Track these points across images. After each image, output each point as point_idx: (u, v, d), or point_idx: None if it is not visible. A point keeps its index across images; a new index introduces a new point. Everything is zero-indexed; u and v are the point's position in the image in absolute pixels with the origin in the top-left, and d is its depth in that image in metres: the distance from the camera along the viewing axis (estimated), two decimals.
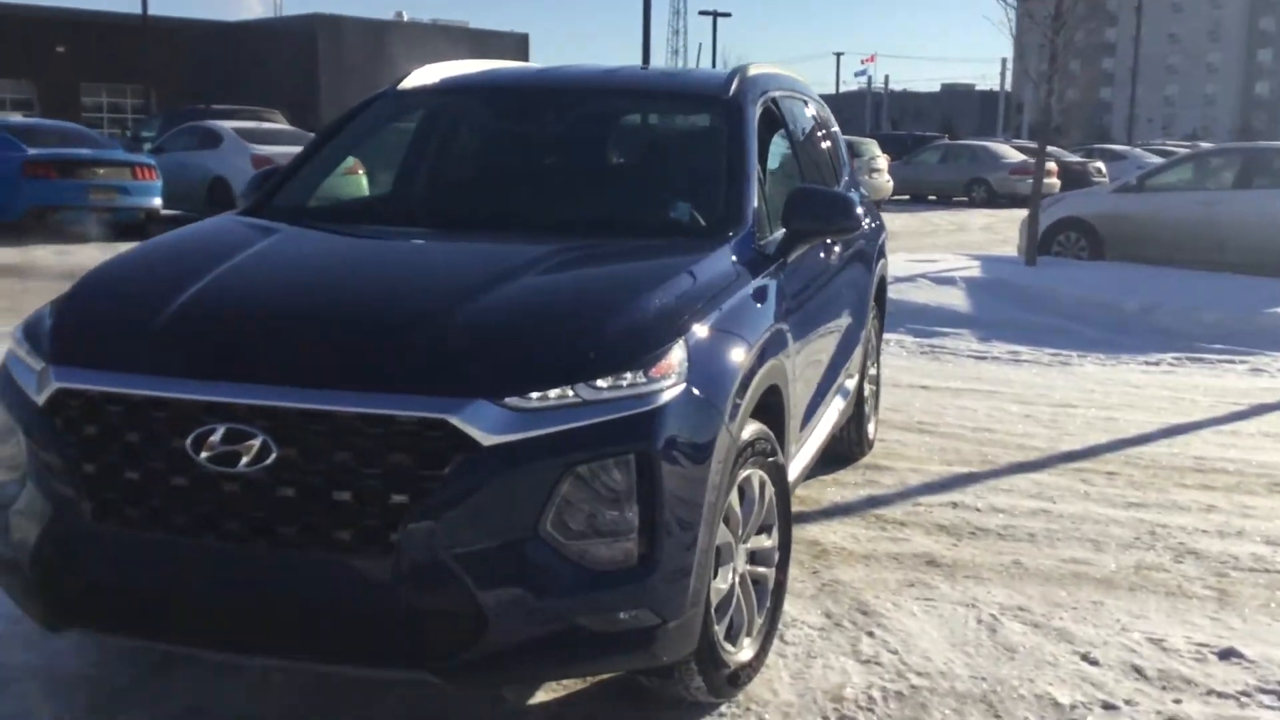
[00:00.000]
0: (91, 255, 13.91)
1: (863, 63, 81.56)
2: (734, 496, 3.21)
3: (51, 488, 2.89)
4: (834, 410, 4.94)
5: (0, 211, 15.35)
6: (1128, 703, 3.47)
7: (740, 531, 3.31)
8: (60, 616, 2.94)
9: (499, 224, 3.97)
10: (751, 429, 3.27)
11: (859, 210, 4.11)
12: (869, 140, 28.54)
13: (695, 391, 2.95)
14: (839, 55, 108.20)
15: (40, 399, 2.92)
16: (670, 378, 2.90)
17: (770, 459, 3.41)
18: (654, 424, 2.82)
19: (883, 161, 27.54)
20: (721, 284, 3.41)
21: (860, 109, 75.57)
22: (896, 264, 10.44)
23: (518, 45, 53.60)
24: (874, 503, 5.27)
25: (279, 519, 2.73)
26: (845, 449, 5.71)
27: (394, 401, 2.71)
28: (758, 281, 3.64)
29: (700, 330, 3.09)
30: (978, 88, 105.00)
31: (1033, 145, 33.43)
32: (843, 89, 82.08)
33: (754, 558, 3.44)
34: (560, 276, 3.39)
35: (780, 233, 4.05)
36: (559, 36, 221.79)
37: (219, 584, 2.81)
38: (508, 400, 2.73)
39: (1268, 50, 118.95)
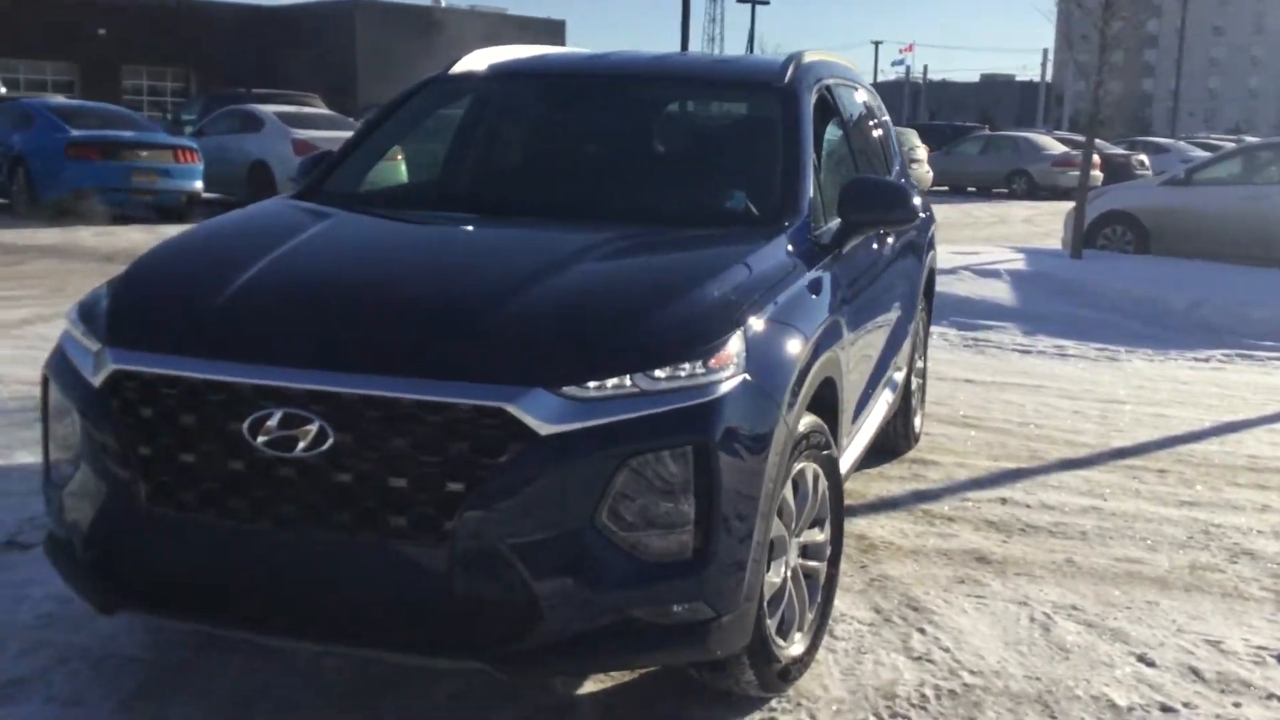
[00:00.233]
0: (132, 237, 14.03)
1: (901, 52, 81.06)
2: (788, 489, 3.17)
3: (106, 469, 2.89)
4: (883, 403, 4.89)
5: (43, 193, 15.46)
6: (1186, 705, 3.40)
7: (793, 525, 3.27)
8: (112, 598, 2.94)
9: (551, 211, 3.93)
10: (807, 421, 3.22)
11: (916, 201, 4.05)
12: (908, 130, 28.26)
13: (753, 383, 2.91)
14: (877, 44, 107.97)
15: (96, 380, 2.92)
16: (728, 369, 2.87)
17: (824, 452, 3.37)
18: (712, 415, 2.79)
19: (922, 152, 27.28)
20: (778, 275, 3.37)
21: (898, 99, 75.04)
22: (939, 256, 10.34)
23: (554, 32, 53.59)
24: (921, 497, 5.21)
25: (334, 505, 2.72)
26: (891, 443, 5.65)
27: (451, 389, 2.69)
28: (813, 272, 3.59)
29: (758, 321, 3.05)
30: (1018, 78, 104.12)
31: (1074, 137, 33.18)
32: (880, 78, 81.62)
33: (806, 551, 3.40)
34: (617, 265, 3.35)
35: (835, 223, 3.99)
36: (596, 23, 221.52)
37: (273, 569, 2.80)
38: (565, 390, 2.70)
39: None
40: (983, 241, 16.44)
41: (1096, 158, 27.31)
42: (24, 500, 4.58)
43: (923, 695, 3.40)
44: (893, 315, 4.88)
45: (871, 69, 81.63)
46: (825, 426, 3.40)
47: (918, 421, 5.98)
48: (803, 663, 3.35)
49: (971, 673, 3.55)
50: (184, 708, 3.13)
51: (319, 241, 3.50)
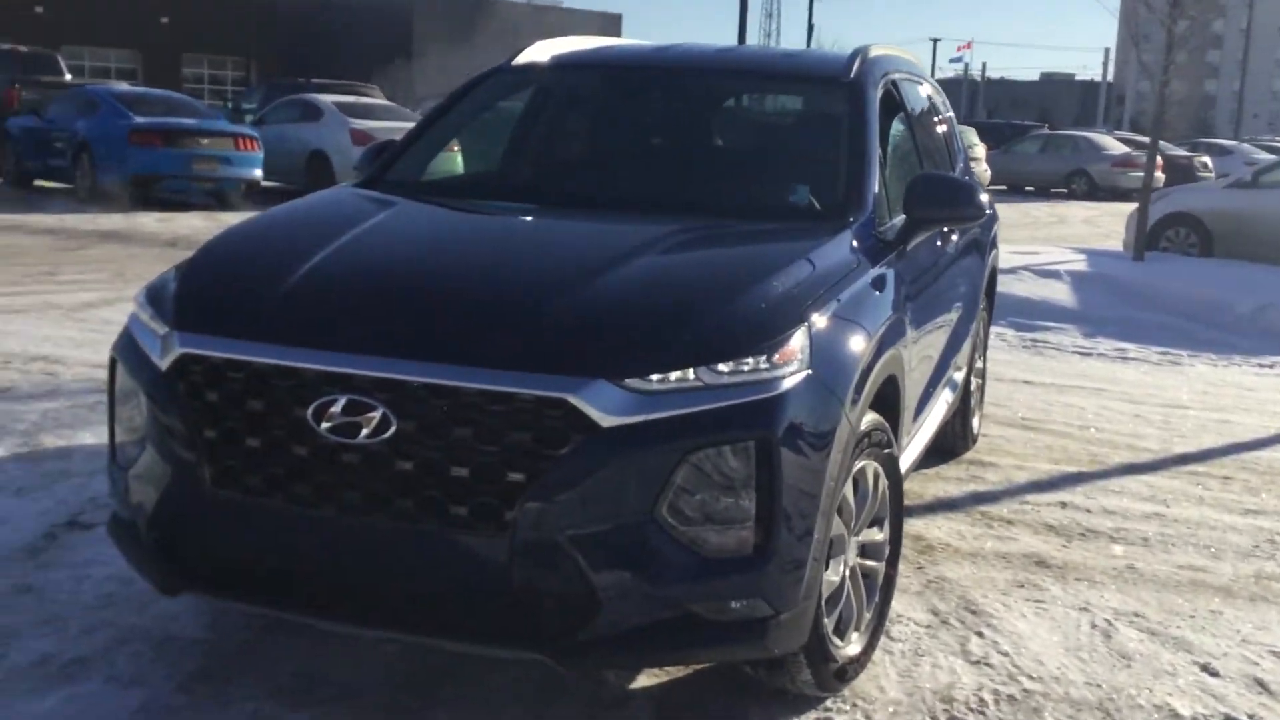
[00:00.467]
0: (193, 224, 14.22)
1: (959, 49, 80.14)
2: (848, 488, 3.14)
3: (171, 452, 2.91)
4: (943, 403, 4.83)
5: (105, 178, 15.68)
6: (1250, 717, 3.34)
7: (853, 524, 3.24)
8: (176, 580, 2.96)
9: (614, 203, 3.92)
10: (869, 419, 3.19)
11: (983, 198, 3.99)
12: (967, 128, 27.93)
13: (817, 379, 2.88)
14: (935, 41, 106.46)
15: (163, 363, 2.94)
16: (792, 364, 2.84)
17: (885, 450, 3.33)
18: (776, 410, 2.76)
19: (980, 150, 27.00)
20: (843, 270, 3.34)
21: (956, 96, 74.25)
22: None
23: (611, 25, 53.64)
24: (979, 499, 5.14)
25: (396, 492, 2.72)
26: (949, 443, 5.58)
27: (514, 379, 2.68)
28: (878, 269, 3.55)
29: (822, 317, 3.02)
30: (1077, 77, 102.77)
31: (1135, 137, 32.68)
32: (938, 75, 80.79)
33: (864, 551, 3.37)
34: (680, 258, 3.33)
35: (900, 219, 3.95)
36: (652, 17, 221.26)
37: (335, 555, 2.81)
38: (628, 382, 2.69)
39: None
40: (1042, 242, 16.24)
41: (1159, 159, 26.98)
42: (86, 481, 4.64)
43: (981, 700, 3.35)
44: (954, 314, 4.82)
45: (930, 66, 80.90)
46: (887, 425, 3.36)
47: (976, 422, 5.91)
48: (859, 663, 3.32)
49: (1031, 678, 3.50)
50: (244, 689, 3.15)
51: (384, 229, 3.51)
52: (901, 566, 3.95)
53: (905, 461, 3.96)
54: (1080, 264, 12.40)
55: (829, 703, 3.26)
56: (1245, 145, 37.50)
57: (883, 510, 3.42)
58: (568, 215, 3.87)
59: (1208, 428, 6.69)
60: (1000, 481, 5.41)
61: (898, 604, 3.86)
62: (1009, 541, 4.64)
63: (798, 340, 2.89)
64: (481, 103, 4.63)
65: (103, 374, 6.10)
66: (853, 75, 4.22)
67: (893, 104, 4.50)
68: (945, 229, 4.51)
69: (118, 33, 45.53)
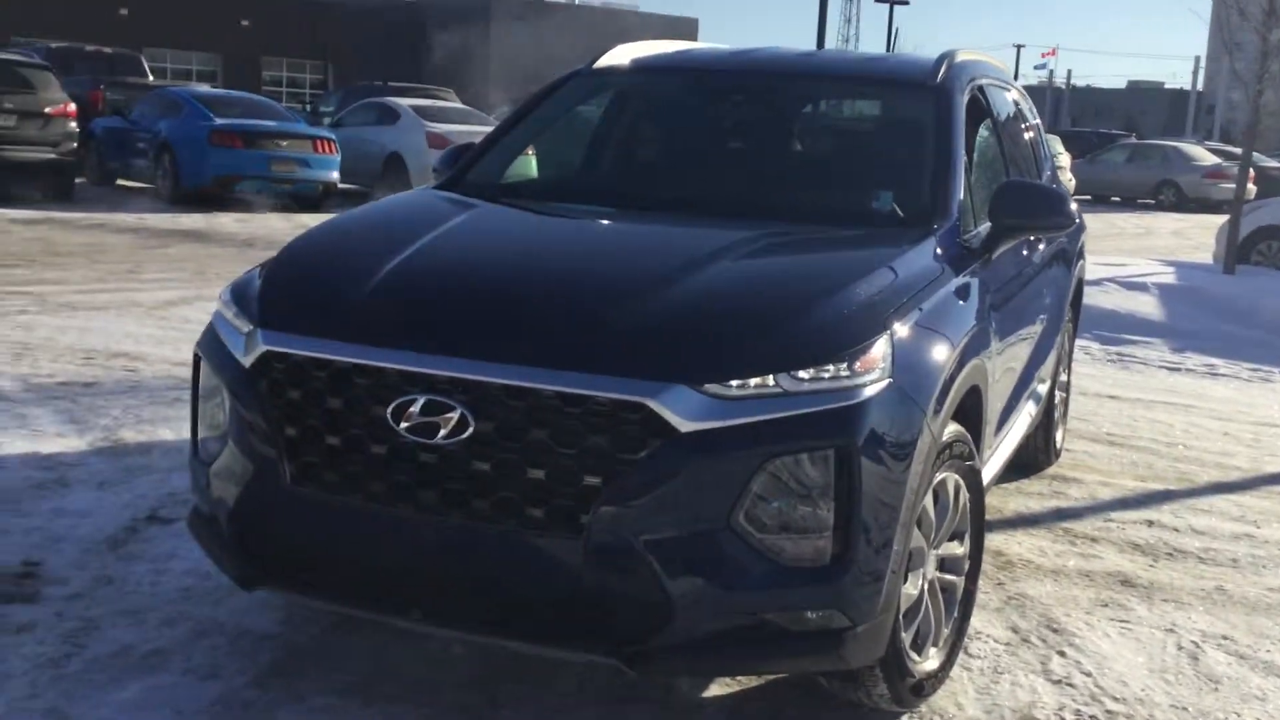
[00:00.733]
0: (271, 224, 14.45)
1: (1043, 56, 78.98)
2: (929, 500, 3.07)
3: (252, 448, 2.93)
4: (1025, 416, 4.73)
5: (187, 179, 15.99)
6: None
7: (932, 536, 3.17)
8: (254, 575, 2.98)
9: (694, 207, 3.89)
10: (951, 430, 3.12)
11: (1071, 206, 3.89)
12: (1052, 137, 27.51)
13: (898, 388, 2.82)
14: (1019, 47, 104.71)
15: (246, 360, 2.97)
16: (874, 372, 2.79)
17: (967, 462, 3.26)
18: (856, 419, 2.71)
19: (1065, 159, 26.57)
20: (926, 278, 3.27)
21: (1040, 104, 73.10)
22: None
23: (687, 30, 53.64)
24: (1062, 515, 5.02)
25: (473, 493, 2.72)
26: (1031, 457, 5.46)
27: (593, 382, 2.66)
28: (961, 278, 3.48)
29: (904, 325, 2.96)
30: (1166, 85, 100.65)
31: (1225, 148, 31.91)
32: (1022, 82, 79.41)
33: (943, 564, 3.30)
34: (761, 263, 3.30)
35: (985, 226, 3.87)
36: (728, 22, 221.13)
37: (410, 554, 2.81)
38: (707, 387, 2.66)
39: None
40: (1129, 253, 15.91)
41: (1251, 170, 26.35)
42: (166, 476, 4.72)
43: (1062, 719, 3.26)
44: (1039, 325, 4.72)
45: (1013, 72, 79.61)
46: (969, 436, 3.29)
47: (1059, 436, 5.78)
48: (937, 678, 3.25)
49: (1114, 699, 3.40)
50: (315, 684, 3.17)
51: (463, 231, 3.52)
52: (981, 582, 3.87)
53: (987, 474, 3.87)
54: (1169, 276, 12.11)
55: (905, 718, 3.20)
56: None
57: (963, 524, 3.35)
58: (649, 219, 3.84)
59: None
60: (1084, 498, 5.28)
61: (977, 620, 3.78)
62: (1093, 559, 4.53)
63: (879, 348, 2.83)
64: (561, 106, 4.62)
65: (182, 371, 6.24)
66: (939, 80, 4.15)
67: (979, 110, 4.42)
68: (1031, 238, 4.42)
69: (199, 36, 46.57)
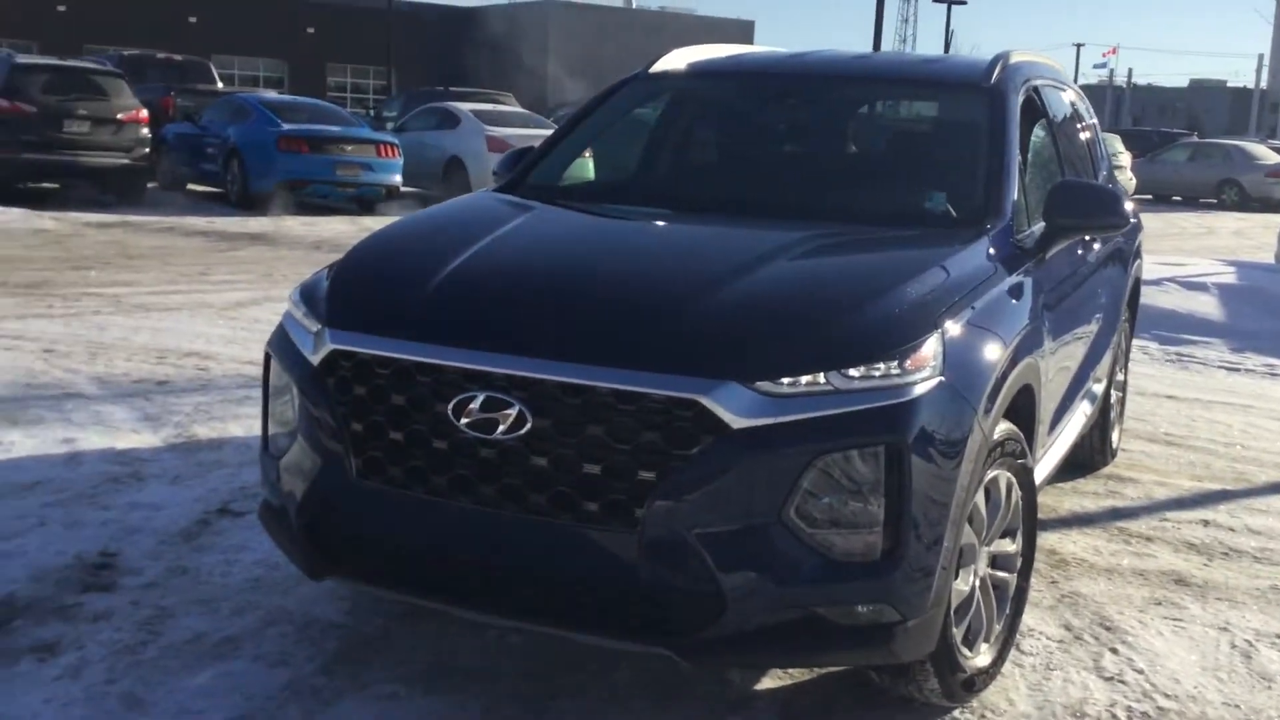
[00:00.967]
0: (336, 228, 14.69)
1: (1104, 55, 77.94)
2: (980, 497, 3.11)
3: (320, 443, 3.04)
4: (1080, 415, 4.74)
5: (255, 183, 16.29)
6: None
7: (984, 534, 3.21)
8: (322, 565, 3.09)
9: (749, 209, 3.95)
10: (1002, 428, 3.16)
11: (1127, 206, 3.91)
12: (1112, 135, 27.18)
13: (950, 386, 2.87)
14: (1079, 46, 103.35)
15: (315, 359, 3.08)
16: (925, 370, 2.83)
17: (1019, 461, 3.29)
18: (906, 416, 2.76)
19: (1126, 158, 26.21)
20: (978, 278, 3.31)
21: (1100, 103, 72.18)
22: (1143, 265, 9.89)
23: (743, 32, 53.59)
24: (1117, 515, 5.02)
25: (530, 487, 2.80)
26: (1086, 456, 5.46)
27: (647, 379, 2.74)
28: (1014, 277, 3.51)
29: (956, 324, 3.01)
30: (1229, 84, 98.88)
31: None
32: (1082, 81, 78.62)
33: (995, 562, 3.33)
34: (814, 263, 3.36)
35: (1039, 226, 3.90)
36: (784, 24, 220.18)
37: (471, 547, 2.91)
38: (759, 384, 2.72)
39: None
40: (1189, 253, 15.69)
41: None
42: (236, 471, 4.86)
43: (1114, 716, 3.29)
44: (1094, 325, 4.73)
45: (1073, 71, 78.79)
46: (1021, 435, 3.32)
47: (1115, 436, 5.77)
48: (988, 674, 3.29)
49: (1166, 696, 3.41)
50: (380, 672, 3.27)
51: (523, 233, 3.61)
52: (1034, 580, 3.89)
53: (1040, 473, 3.90)
54: (1229, 276, 11.94)
55: (956, 713, 3.24)
56: None
57: (1015, 521, 3.38)
58: (704, 221, 3.91)
59: None
60: (1140, 497, 5.27)
61: (1029, 618, 3.80)
62: (1147, 559, 4.53)
63: (930, 346, 2.88)
64: (618, 110, 4.71)
65: (251, 370, 6.40)
66: (993, 81, 4.18)
67: (1034, 110, 4.44)
68: (1087, 238, 4.43)
69: (266, 42, 47.33)
